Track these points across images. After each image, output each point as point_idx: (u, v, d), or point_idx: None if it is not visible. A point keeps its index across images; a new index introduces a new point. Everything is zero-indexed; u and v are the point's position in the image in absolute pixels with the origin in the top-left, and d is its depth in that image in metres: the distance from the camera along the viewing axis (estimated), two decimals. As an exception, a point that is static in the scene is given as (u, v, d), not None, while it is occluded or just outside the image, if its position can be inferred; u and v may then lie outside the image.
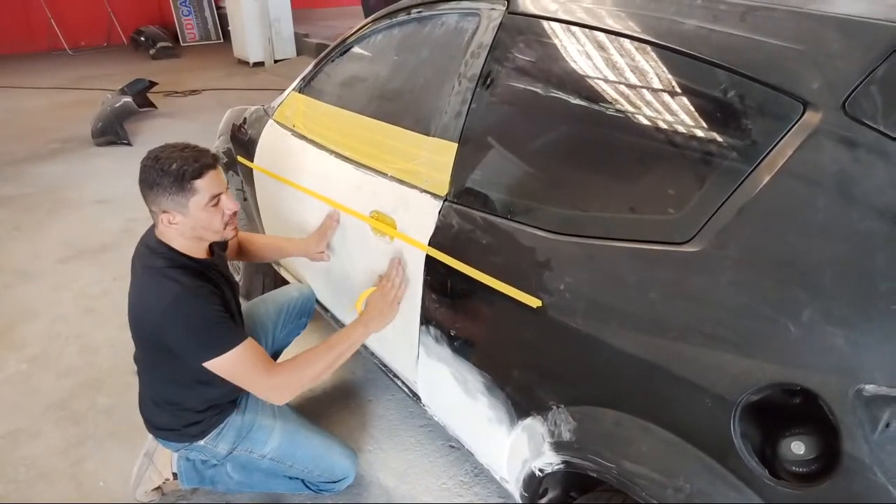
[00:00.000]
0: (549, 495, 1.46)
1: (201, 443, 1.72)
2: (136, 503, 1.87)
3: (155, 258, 1.55)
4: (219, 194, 1.53)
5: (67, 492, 1.94)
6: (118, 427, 2.21)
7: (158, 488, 1.88)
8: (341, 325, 2.19)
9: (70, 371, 2.52)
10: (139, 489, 1.85)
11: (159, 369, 1.65)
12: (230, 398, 1.75)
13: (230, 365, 1.51)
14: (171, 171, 1.45)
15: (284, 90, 2.46)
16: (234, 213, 1.59)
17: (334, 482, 1.87)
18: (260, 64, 9.19)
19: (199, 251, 1.61)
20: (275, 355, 2.16)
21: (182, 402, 1.67)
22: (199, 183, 1.48)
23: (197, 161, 1.48)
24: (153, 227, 1.61)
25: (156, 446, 1.88)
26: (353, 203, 1.85)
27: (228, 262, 1.88)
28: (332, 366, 1.64)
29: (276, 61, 9.23)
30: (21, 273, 3.33)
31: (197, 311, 1.48)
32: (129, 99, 5.75)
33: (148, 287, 1.54)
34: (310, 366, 1.60)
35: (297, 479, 1.87)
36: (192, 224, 1.52)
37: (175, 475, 1.87)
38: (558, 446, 1.24)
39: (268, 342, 2.06)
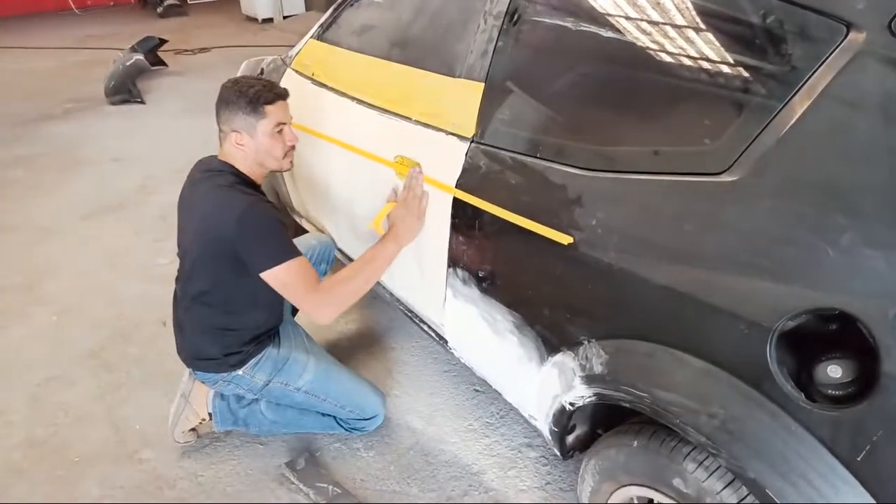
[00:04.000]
0: (577, 431, 1.50)
1: (240, 372, 1.80)
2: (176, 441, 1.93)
3: (223, 176, 1.68)
4: (284, 123, 1.71)
5: (105, 435, 2.01)
6: (150, 374, 2.27)
7: (194, 429, 1.93)
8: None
9: (99, 323, 2.57)
10: (176, 429, 1.91)
11: (216, 292, 1.71)
12: (272, 325, 1.84)
13: (287, 275, 1.59)
14: (247, 94, 1.64)
15: (294, 46, 2.44)
16: (293, 147, 1.76)
17: (366, 419, 1.93)
18: (269, 20, 9.06)
19: (257, 177, 1.77)
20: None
21: (231, 326, 1.75)
22: (269, 108, 1.66)
23: (271, 90, 1.68)
24: (208, 158, 1.76)
25: (192, 387, 1.93)
26: (376, 149, 1.85)
27: None
28: (369, 281, 1.70)
29: (284, 17, 9.10)
30: (43, 230, 3.37)
31: (266, 220, 1.61)
32: (140, 57, 5.71)
33: (221, 199, 1.63)
34: (350, 280, 1.66)
35: (329, 416, 1.93)
36: (256, 147, 1.69)
37: (210, 415, 1.92)
38: (590, 379, 1.26)
39: None
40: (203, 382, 1.89)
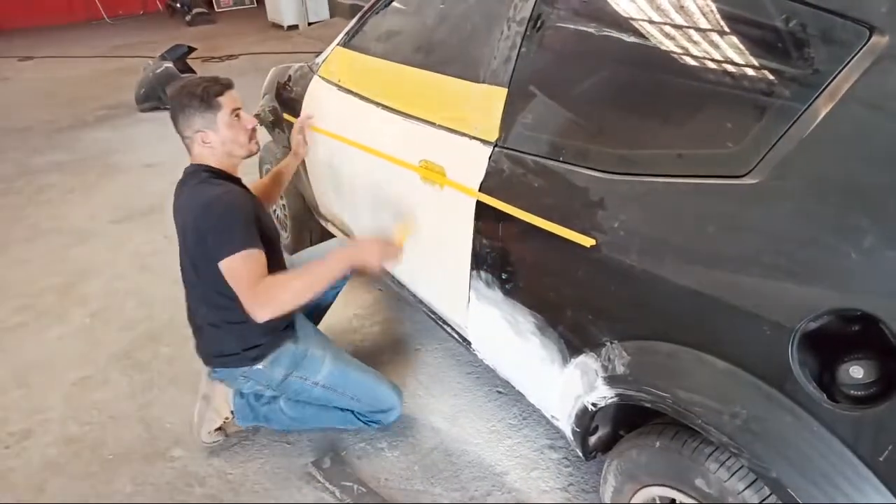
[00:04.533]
0: (599, 432, 1.51)
1: (259, 366, 1.83)
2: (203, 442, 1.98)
3: (196, 176, 1.76)
4: (238, 108, 1.77)
5: (137, 433, 2.07)
6: (180, 374, 2.32)
7: (221, 429, 1.98)
8: (390, 276, 2.24)
9: (131, 324, 2.64)
10: (202, 430, 1.96)
11: (220, 287, 1.67)
12: (285, 320, 1.86)
13: (235, 266, 1.61)
14: (197, 93, 1.71)
15: (320, 52, 2.49)
16: (254, 129, 1.82)
17: (383, 411, 1.95)
18: (294, 27, 9.18)
19: (231, 168, 1.83)
20: (319, 312, 2.24)
21: (244, 318, 1.68)
22: (221, 99, 1.73)
23: (217, 83, 1.75)
24: (185, 170, 1.82)
25: (213, 388, 1.97)
26: (401, 153, 1.88)
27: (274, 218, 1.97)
28: (309, 290, 1.67)
29: (310, 24, 9.21)
30: (78, 232, 3.47)
31: (228, 209, 1.65)
32: (170, 65, 5.83)
33: (194, 195, 1.72)
34: (289, 284, 1.65)
35: (348, 410, 1.97)
36: (221, 139, 1.75)
37: (233, 413, 1.97)
38: (612, 380, 1.28)
39: None
40: (222, 381, 1.93)
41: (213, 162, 1.78)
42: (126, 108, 5.66)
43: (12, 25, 10.25)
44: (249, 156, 1.84)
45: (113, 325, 2.65)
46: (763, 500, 1.05)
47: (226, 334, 1.81)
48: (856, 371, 0.92)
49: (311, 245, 2.93)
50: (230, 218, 1.64)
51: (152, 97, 5.56)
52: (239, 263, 1.61)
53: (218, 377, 1.92)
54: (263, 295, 1.60)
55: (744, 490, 1.08)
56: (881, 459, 0.89)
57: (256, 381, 1.88)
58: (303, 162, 2.61)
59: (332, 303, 2.29)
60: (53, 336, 2.59)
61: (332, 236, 2.78)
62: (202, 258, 1.70)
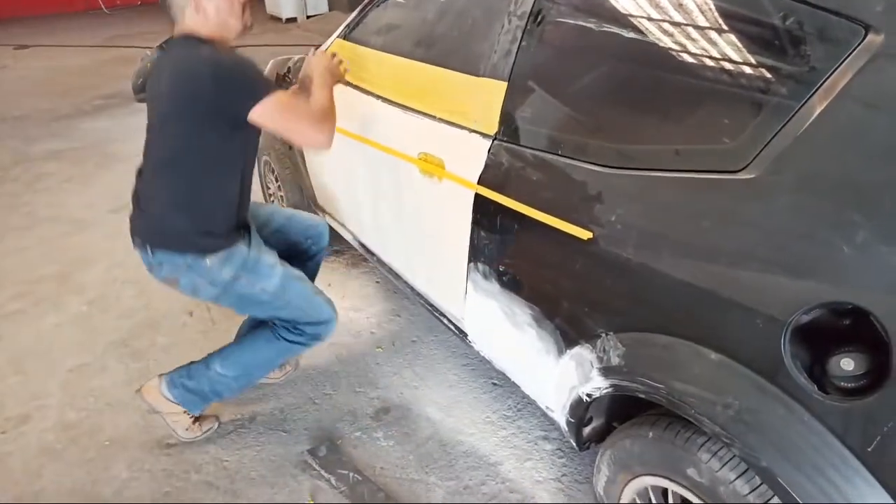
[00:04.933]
0: (594, 423, 1.52)
1: (207, 262, 1.70)
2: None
3: (188, 42, 1.64)
4: None
5: (134, 420, 2.08)
6: (176, 363, 2.29)
7: (197, 421, 1.98)
8: (387, 268, 2.25)
9: (128, 312, 2.65)
10: (179, 433, 1.96)
11: (187, 157, 1.66)
12: (243, 206, 1.81)
13: (277, 103, 1.59)
14: None
15: (318, 46, 2.49)
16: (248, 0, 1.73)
17: (323, 323, 1.93)
18: (293, 20, 9.17)
19: (225, 44, 1.70)
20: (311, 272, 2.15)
21: (203, 198, 1.69)
22: None
23: None
24: (168, 41, 1.71)
25: (149, 400, 1.94)
26: (400, 146, 1.89)
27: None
28: (332, 104, 1.78)
29: (308, 17, 9.20)
30: (76, 221, 3.47)
31: (240, 63, 1.61)
32: (167, 55, 5.82)
33: (188, 59, 1.61)
34: (328, 103, 1.75)
35: (282, 339, 1.91)
36: (216, 6, 1.64)
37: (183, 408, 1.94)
38: (607, 371, 1.29)
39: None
40: (157, 270, 1.75)
41: (206, 32, 1.65)
42: (123, 97, 5.65)
43: (10, 14, 10.20)
44: (244, 31, 1.74)
45: (110, 313, 2.65)
46: (753, 489, 1.07)
47: (179, 211, 1.69)
48: (846, 363, 0.94)
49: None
50: (247, 68, 1.61)
51: (150, 87, 5.55)
52: (281, 99, 1.60)
53: (155, 262, 1.73)
54: (321, 116, 1.67)
55: (735, 480, 1.10)
56: (870, 450, 0.91)
57: (199, 275, 1.73)
58: (301, 155, 2.62)
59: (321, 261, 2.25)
60: (51, 323, 2.60)
61: (332, 230, 2.79)
62: (187, 125, 1.62)
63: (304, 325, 1.92)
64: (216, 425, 2.02)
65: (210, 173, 1.70)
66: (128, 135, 4.80)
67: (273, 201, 3.07)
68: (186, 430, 1.97)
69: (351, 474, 1.82)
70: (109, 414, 2.11)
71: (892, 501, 0.90)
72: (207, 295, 1.81)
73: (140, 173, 1.79)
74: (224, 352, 1.96)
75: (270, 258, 1.85)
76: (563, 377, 1.45)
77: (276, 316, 1.91)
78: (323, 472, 1.84)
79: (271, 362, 2.00)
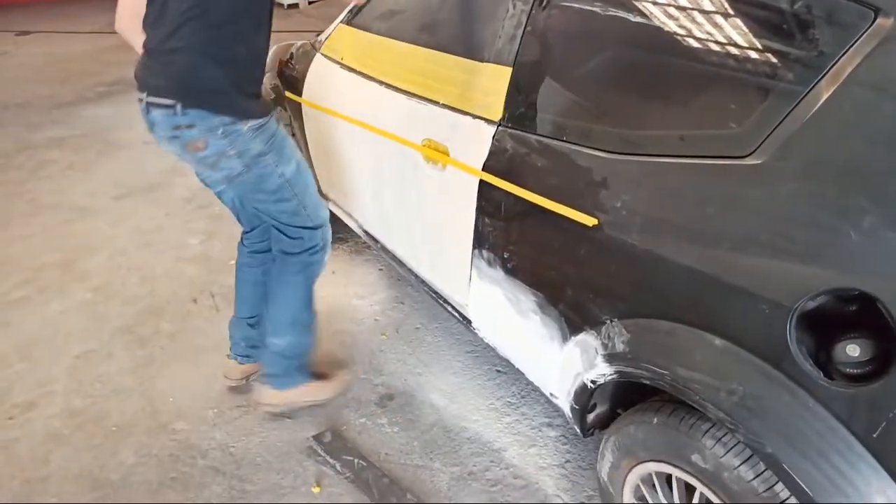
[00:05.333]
0: (598, 410, 1.53)
1: (244, 129, 1.58)
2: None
3: None
4: None
5: (140, 406, 2.09)
6: (182, 350, 2.35)
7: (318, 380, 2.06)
8: (391, 255, 2.26)
9: (133, 299, 2.66)
10: (322, 399, 2.05)
11: (223, 6, 1.51)
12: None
13: None
14: None
15: (320, 32, 2.49)
16: None
17: (319, 226, 1.85)
18: (294, 6, 9.10)
19: None
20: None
21: (241, 54, 1.56)
22: None
23: None
24: None
25: (278, 400, 2.00)
26: (404, 132, 1.88)
27: None
28: None
29: (310, 2, 9.14)
30: (79, 209, 3.47)
31: None
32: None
33: None
34: None
35: (288, 228, 1.81)
36: None
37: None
38: (611, 358, 1.29)
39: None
40: (183, 132, 1.57)
41: None
42: (125, 84, 5.61)
43: (11, 0, 10.14)
44: None
45: (115, 300, 2.66)
46: (757, 475, 1.08)
47: (219, 69, 1.52)
48: (852, 349, 0.94)
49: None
50: None
51: (152, 74, 5.53)
52: None
53: (184, 122, 1.55)
54: None
55: (739, 465, 1.10)
56: (875, 436, 0.91)
57: (231, 142, 1.58)
58: (305, 141, 2.61)
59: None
60: (56, 310, 2.61)
61: (336, 217, 2.79)
62: None
63: (305, 229, 1.80)
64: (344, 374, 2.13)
65: (244, 24, 1.53)
66: (129, 122, 4.78)
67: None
68: (321, 393, 2.04)
69: (356, 460, 1.83)
70: (115, 400, 2.13)
71: (896, 487, 0.90)
72: (227, 170, 1.65)
73: (152, 25, 1.56)
74: (266, 327, 1.95)
75: (290, 141, 1.77)
76: (567, 364, 1.45)
77: (279, 211, 1.76)
78: (328, 458, 1.85)
79: (308, 294, 1.92)
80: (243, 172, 1.66)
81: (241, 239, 2.06)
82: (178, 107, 1.52)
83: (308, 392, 2.01)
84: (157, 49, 1.56)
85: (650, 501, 1.37)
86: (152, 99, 1.55)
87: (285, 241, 1.84)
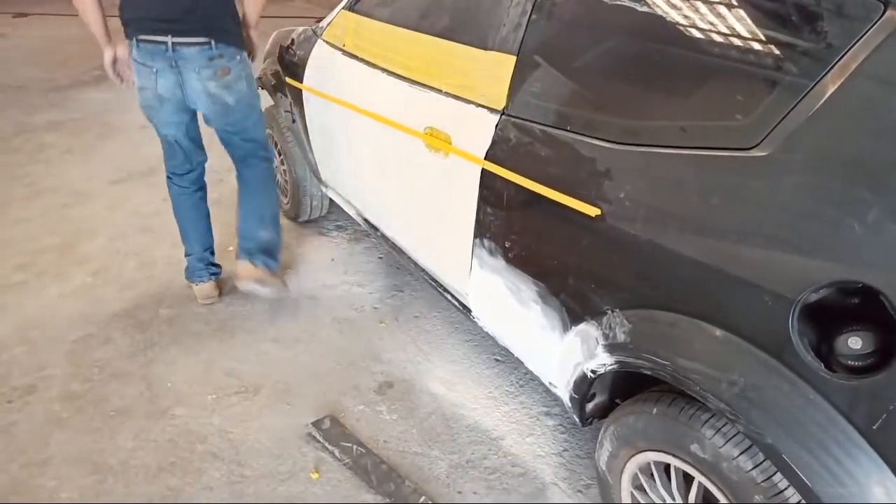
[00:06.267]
0: (597, 400, 1.54)
1: (246, 56, 2.18)
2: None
3: None
4: None
5: (139, 391, 2.09)
6: (180, 334, 2.34)
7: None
8: (391, 243, 2.25)
9: (132, 284, 2.65)
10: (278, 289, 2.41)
11: None
12: None
13: None
14: None
15: (321, 18, 2.47)
16: None
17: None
18: (294, -9, 9.04)
19: None
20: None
21: (235, 11, 2.11)
22: None
23: None
24: None
25: (254, 275, 2.31)
26: (406, 120, 1.88)
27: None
28: None
29: (310, -12, 9.06)
30: (77, 193, 3.45)
31: None
32: (168, 25, 5.74)
33: None
34: None
35: (260, 143, 2.33)
36: None
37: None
38: (612, 348, 1.30)
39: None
40: (215, 61, 2.05)
41: None
42: (123, 68, 5.59)
43: (6, -19, 10.03)
44: None
45: (114, 284, 2.66)
46: (756, 465, 1.08)
47: (233, 21, 2.08)
48: (854, 342, 0.94)
49: (312, 213, 2.95)
50: None
51: (150, 58, 5.49)
52: None
53: (216, 52, 2.04)
54: None
55: (738, 456, 1.11)
56: (875, 428, 0.92)
57: (243, 66, 2.14)
58: (305, 128, 2.60)
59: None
60: (54, 294, 2.60)
61: (335, 205, 2.79)
62: None
63: (266, 140, 2.35)
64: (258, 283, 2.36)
65: None
66: (127, 106, 4.74)
67: (275, 174, 3.05)
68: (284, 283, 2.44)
69: (354, 447, 1.84)
70: (115, 384, 2.13)
71: (895, 478, 0.91)
72: (240, 90, 2.15)
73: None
74: (250, 224, 2.34)
75: None
76: (567, 353, 1.46)
77: (257, 124, 2.29)
78: (327, 444, 1.86)
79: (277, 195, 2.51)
80: (246, 93, 2.19)
81: (184, 182, 2.41)
82: (213, 42, 2.04)
83: (278, 276, 2.40)
84: (193, 8, 1.99)
85: (648, 491, 1.38)
86: (182, 39, 2.01)
87: (261, 151, 2.33)
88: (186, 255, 2.47)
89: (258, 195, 2.37)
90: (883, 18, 0.96)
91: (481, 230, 1.64)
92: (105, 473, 1.81)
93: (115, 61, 2.24)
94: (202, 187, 2.44)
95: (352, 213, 2.54)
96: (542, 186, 1.40)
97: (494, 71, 1.57)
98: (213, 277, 2.49)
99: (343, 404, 2.04)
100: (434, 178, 1.81)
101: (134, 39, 2.05)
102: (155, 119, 2.23)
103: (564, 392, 1.53)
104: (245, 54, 2.17)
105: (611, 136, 1.30)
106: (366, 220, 2.42)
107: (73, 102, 4.89)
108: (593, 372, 1.38)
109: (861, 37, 0.97)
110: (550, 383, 1.62)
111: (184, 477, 1.79)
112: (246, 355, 2.24)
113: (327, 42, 2.38)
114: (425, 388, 2.09)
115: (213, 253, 2.50)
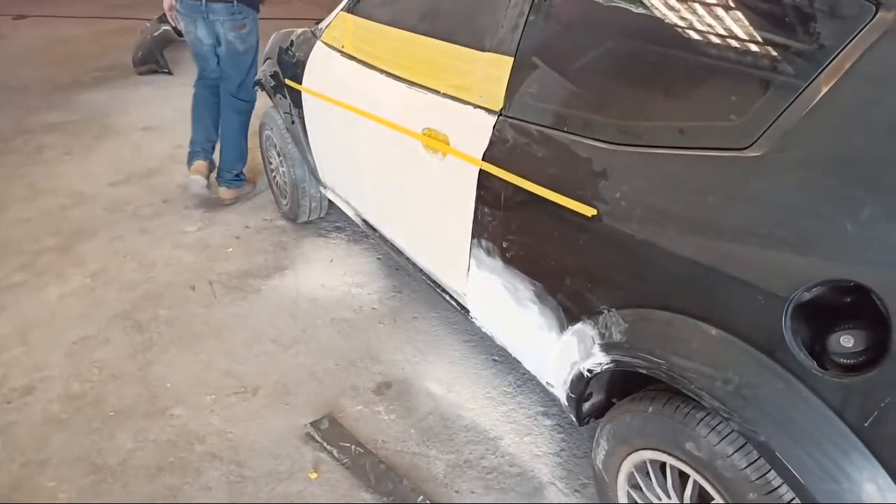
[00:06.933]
0: (593, 399, 1.54)
1: (256, 14, 2.95)
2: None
3: None
4: None
5: (138, 391, 2.10)
6: (180, 336, 2.35)
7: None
8: (389, 244, 2.26)
9: (131, 285, 2.66)
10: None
11: None
12: None
13: None
14: None
15: (320, 19, 2.48)
16: None
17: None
18: (293, -7, 9.06)
19: None
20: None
21: None
22: None
23: None
24: None
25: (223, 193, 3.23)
26: (404, 121, 1.89)
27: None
28: None
29: (309, -10, 9.08)
30: (76, 195, 3.46)
31: None
32: (168, 27, 5.74)
33: None
34: None
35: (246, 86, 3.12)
36: None
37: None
38: (608, 347, 1.31)
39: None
40: (235, 17, 2.88)
41: None
42: (123, 69, 5.59)
43: (7, -18, 10.04)
44: None
45: (113, 286, 2.66)
46: (751, 463, 1.09)
47: None
48: (846, 340, 0.95)
49: (311, 215, 2.96)
50: None
51: (150, 60, 5.50)
52: None
53: (237, 10, 2.85)
54: None
55: (733, 454, 1.11)
56: (867, 425, 0.92)
57: (255, 23, 2.96)
58: (304, 129, 2.61)
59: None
60: (53, 295, 2.61)
61: (334, 206, 2.80)
62: None
63: (250, 89, 3.11)
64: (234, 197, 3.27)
65: None
66: (127, 108, 4.77)
67: (275, 176, 3.07)
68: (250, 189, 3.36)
69: (353, 447, 1.85)
70: (114, 385, 2.13)
71: (886, 475, 0.92)
72: (248, 42, 2.99)
73: None
74: (234, 147, 3.17)
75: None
76: (564, 353, 1.47)
77: (251, 66, 3.07)
78: (325, 444, 1.86)
79: (247, 128, 3.23)
80: (254, 43, 3.02)
81: (207, 84, 3.18)
82: (235, 3, 2.86)
83: (246, 189, 3.32)
84: None
85: (644, 489, 1.39)
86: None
87: (243, 92, 3.10)
88: (191, 143, 3.25)
89: (235, 130, 3.18)
90: (875, 19, 0.96)
91: (479, 230, 1.65)
92: (104, 473, 1.81)
93: (171, 7, 3.02)
94: (218, 95, 3.16)
95: (350, 214, 2.55)
96: (539, 187, 1.41)
97: (492, 72, 1.58)
98: (207, 158, 3.24)
99: (341, 404, 2.04)
100: (432, 178, 1.82)
101: None
102: (196, 46, 3.03)
103: (561, 391, 1.54)
104: (257, 14, 2.92)
105: (607, 136, 1.31)
106: (364, 221, 2.43)
107: (73, 104, 4.89)
108: (590, 371, 1.38)
109: (854, 37, 0.98)
110: (548, 383, 1.62)
111: (183, 477, 1.80)
112: (245, 356, 2.25)
113: (326, 44, 2.39)
114: (423, 389, 2.10)
115: (213, 149, 3.27)
